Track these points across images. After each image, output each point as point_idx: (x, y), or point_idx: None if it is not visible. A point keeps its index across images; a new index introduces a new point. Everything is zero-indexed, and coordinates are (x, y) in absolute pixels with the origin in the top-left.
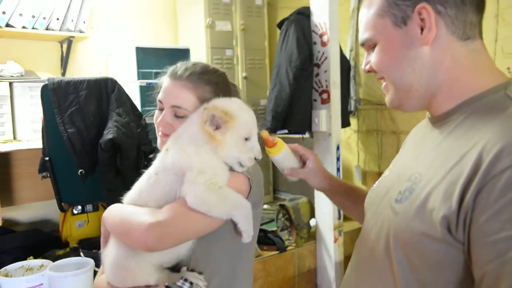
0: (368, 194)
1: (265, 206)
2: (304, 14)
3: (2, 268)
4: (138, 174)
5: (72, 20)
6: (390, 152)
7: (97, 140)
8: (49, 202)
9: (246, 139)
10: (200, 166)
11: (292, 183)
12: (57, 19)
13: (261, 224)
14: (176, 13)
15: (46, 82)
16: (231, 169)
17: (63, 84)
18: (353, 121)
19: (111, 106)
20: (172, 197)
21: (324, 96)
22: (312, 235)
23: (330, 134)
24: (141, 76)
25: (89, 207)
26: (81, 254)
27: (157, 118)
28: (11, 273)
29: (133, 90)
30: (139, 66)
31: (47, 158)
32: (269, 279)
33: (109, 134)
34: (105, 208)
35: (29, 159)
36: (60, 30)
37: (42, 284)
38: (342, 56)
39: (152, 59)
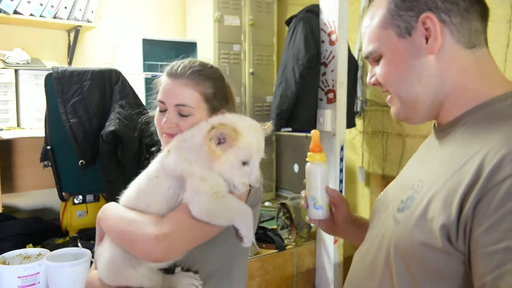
0: (374, 204)
1: (266, 204)
2: (313, 11)
3: (0, 256)
4: (139, 167)
5: (80, 10)
6: (394, 154)
7: (99, 131)
8: (51, 190)
9: (245, 163)
10: (201, 174)
11: (295, 181)
12: (65, 7)
13: (261, 222)
14: (184, 6)
15: (50, 71)
16: None
17: (67, 74)
18: (358, 121)
19: (114, 97)
20: (174, 202)
21: (330, 95)
22: (312, 235)
23: (334, 134)
24: (147, 68)
25: (89, 197)
26: (79, 244)
27: (159, 120)
28: (8, 260)
29: (138, 82)
30: (145, 58)
31: (49, 147)
32: (267, 278)
33: (111, 126)
34: (105, 199)
35: (32, 147)
36: (67, 19)
37: (38, 273)
38: (350, 56)
39: (158, 52)
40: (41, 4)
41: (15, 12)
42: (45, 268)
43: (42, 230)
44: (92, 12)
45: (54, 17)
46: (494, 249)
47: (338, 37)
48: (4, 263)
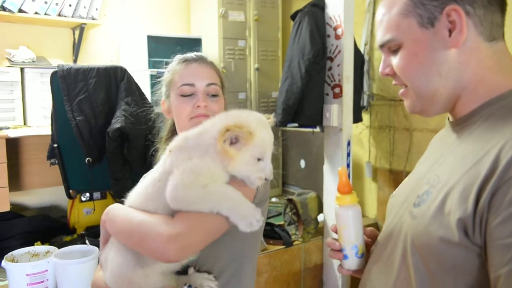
0: (389, 201)
1: (273, 200)
2: (318, 6)
3: (9, 253)
4: (145, 164)
5: (85, 7)
6: (402, 149)
7: (105, 128)
8: (58, 188)
9: (259, 159)
10: (192, 167)
11: (302, 177)
12: (70, 5)
13: (269, 218)
14: (189, 2)
15: (56, 69)
16: None
17: (73, 72)
18: (365, 116)
19: (120, 95)
20: None
21: (337, 90)
22: (319, 230)
23: (341, 129)
24: (152, 65)
25: (96, 194)
26: (87, 242)
27: (184, 106)
28: (17, 258)
29: (143, 79)
30: (150, 55)
31: (55, 145)
32: (275, 273)
33: (117, 123)
34: (112, 196)
35: (38, 145)
36: (72, 16)
37: (47, 270)
38: (356, 50)
39: (163, 48)
40: (46, 2)
41: (20, 10)
42: (54, 265)
43: (50, 228)
44: (96, 9)
45: (59, 15)
46: (510, 241)
47: (344, 31)
48: (12, 260)
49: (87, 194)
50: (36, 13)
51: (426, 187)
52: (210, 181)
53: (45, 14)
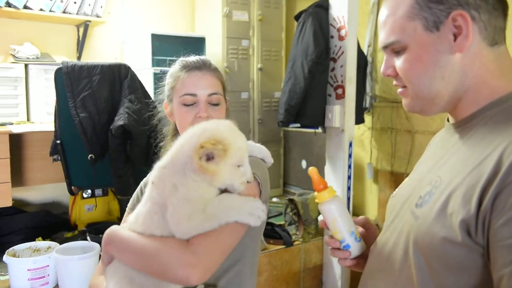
0: (389, 201)
1: (274, 200)
2: (322, 6)
3: (10, 248)
4: (148, 161)
5: (89, 5)
6: (403, 151)
7: (108, 125)
8: (60, 184)
9: (239, 165)
10: (182, 196)
11: (303, 177)
12: (75, 2)
13: (269, 217)
14: (193, 1)
15: (60, 66)
16: None
17: (77, 68)
18: (367, 118)
19: (124, 92)
20: None
21: (339, 91)
22: (319, 231)
23: (343, 130)
24: (155, 63)
25: (98, 191)
26: (88, 238)
27: (186, 115)
28: (18, 253)
29: (147, 77)
30: (154, 53)
31: (58, 141)
32: (274, 273)
33: (120, 120)
34: (114, 194)
35: (42, 141)
36: (77, 13)
37: (48, 265)
38: (359, 51)
39: (167, 47)
40: None
41: (25, 7)
42: (55, 261)
43: (52, 224)
44: (101, 7)
45: (64, 12)
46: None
47: (347, 32)
48: (14, 256)
49: (89, 191)
50: (41, 9)
51: (428, 188)
52: (204, 202)
53: (50, 11)
